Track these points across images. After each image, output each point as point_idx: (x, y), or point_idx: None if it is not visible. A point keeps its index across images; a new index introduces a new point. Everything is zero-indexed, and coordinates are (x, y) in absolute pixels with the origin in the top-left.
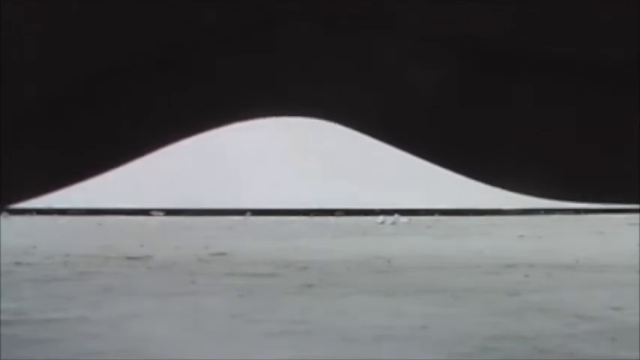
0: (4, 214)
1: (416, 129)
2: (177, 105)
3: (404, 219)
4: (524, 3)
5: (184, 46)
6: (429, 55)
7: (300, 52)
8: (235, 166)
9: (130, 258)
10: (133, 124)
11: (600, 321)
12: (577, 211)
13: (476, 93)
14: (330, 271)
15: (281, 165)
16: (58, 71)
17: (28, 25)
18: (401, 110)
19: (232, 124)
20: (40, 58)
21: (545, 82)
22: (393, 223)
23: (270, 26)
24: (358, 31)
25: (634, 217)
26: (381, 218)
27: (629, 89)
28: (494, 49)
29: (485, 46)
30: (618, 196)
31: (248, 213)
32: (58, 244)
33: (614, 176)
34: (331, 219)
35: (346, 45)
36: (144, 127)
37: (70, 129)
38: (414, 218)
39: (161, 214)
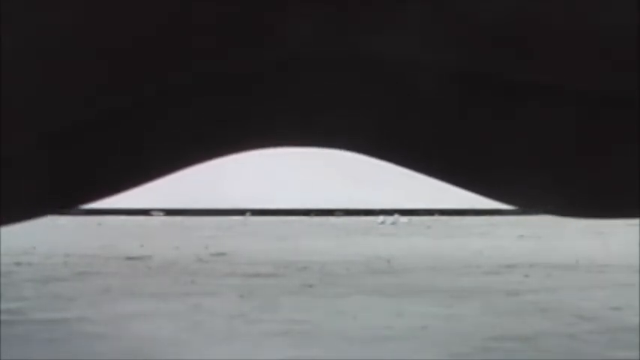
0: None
1: (422, 149)
2: (183, 137)
3: (404, 219)
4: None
5: (185, 89)
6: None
7: (297, 87)
8: (235, 166)
9: (130, 258)
10: (132, 155)
11: (600, 321)
12: None
13: (482, 114)
14: (330, 271)
15: (281, 165)
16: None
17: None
18: (407, 132)
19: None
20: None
21: (547, 104)
22: (393, 223)
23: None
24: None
25: None
26: (381, 218)
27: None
28: (489, 76)
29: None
30: (620, 210)
31: (248, 213)
32: (58, 244)
33: (616, 191)
34: (331, 219)
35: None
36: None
37: (75, 158)
38: (414, 218)
39: (161, 214)
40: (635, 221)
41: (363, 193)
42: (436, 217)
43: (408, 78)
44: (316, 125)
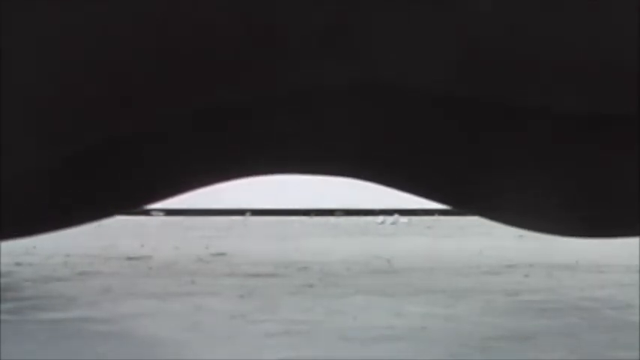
0: None
1: (423, 176)
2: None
3: (404, 219)
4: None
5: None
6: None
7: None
8: None
9: (130, 258)
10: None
11: (600, 321)
12: None
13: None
14: (330, 271)
15: None
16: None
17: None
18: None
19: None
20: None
21: (543, 126)
22: (393, 223)
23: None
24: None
25: None
26: (381, 218)
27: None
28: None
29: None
30: (620, 230)
31: (248, 213)
32: (58, 244)
33: (616, 212)
34: (331, 219)
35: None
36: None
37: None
38: (414, 218)
39: (161, 214)
40: None
41: (363, 193)
42: (436, 217)
43: (396, 102)
44: (304, 153)
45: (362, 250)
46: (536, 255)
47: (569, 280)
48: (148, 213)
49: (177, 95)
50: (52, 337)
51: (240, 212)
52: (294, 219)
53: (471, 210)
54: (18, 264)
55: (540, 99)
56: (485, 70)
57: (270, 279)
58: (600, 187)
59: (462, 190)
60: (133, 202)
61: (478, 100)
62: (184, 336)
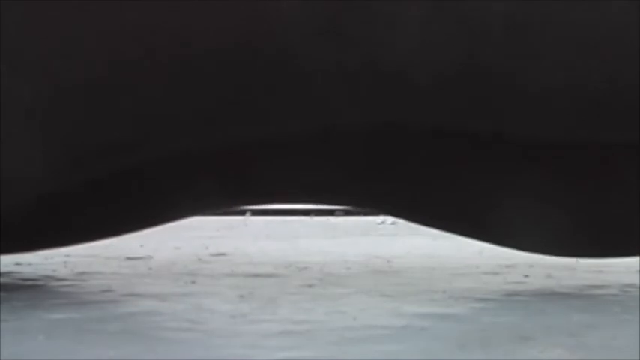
0: None
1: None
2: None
3: None
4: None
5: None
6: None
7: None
8: None
9: (129, 258)
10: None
11: (600, 321)
12: None
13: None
14: (330, 271)
15: None
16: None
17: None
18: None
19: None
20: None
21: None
22: (393, 223)
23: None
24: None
25: None
26: (381, 218)
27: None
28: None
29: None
30: (620, 250)
31: (248, 213)
32: None
33: (615, 232)
34: (331, 219)
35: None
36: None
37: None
38: None
39: None
40: None
41: None
42: None
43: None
44: (302, 184)
45: (362, 250)
46: (535, 255)
47: (569, 280)
48: None
49: (198, 130)
50: (52, 337)
51: (241, 212)
52: (294, 219)
53: (479, 239)
54: (18, 263)
55: (528, 127)
56: (478, 99)
57: (270, 279)
58: (600, 212)
59: (466, 220)
60: (141, 226)
61: (471, 130)
62: (184, 336)
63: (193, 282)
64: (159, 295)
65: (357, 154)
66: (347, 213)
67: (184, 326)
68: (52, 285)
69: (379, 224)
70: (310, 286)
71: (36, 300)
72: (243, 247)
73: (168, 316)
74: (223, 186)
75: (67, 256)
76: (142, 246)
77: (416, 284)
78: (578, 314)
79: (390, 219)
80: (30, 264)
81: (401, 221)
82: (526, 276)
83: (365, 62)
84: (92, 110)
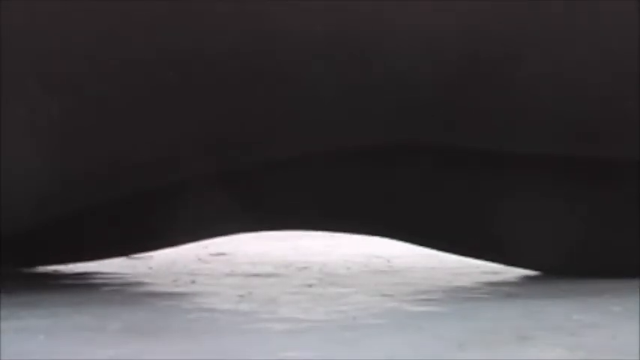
0: None
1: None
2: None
3: None
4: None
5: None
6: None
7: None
8: None
9: (129, 258)
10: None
11: (600, 321)
12: None
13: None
14: (330, 271)
15: None
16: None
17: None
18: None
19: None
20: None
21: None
22: None
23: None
24: None
25: None
26: None
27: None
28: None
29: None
30: (619, 271)
31: None
32: None
33: (615, 254)
34: None
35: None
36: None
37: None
38: None
39: None
40: None
41: None
42: None
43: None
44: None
45: (362, 250)
46: None
47: (569, 280)
48: None
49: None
50: (52, 336)
51: None
52: None
53: (485, 259)
54: None
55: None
56: (475, 118)
57: (270, 279)
58: (602, 227)
59: (477, 241)
60: (146, 249)
61: (473, 147)
62: (184, 336)
63: (193, 282)
64: (159, 294)
65: (365, 176)
66: None
67: (184, 326)
68: (52, 284)
69: None
70: (310, 286)
71: (35, 300)
72: (243, 247)
73: (167, 315)
74: (232, 209)
75: None
76: None
77: (416, 284)
78: (578, 314)
79: None
80: None
81: None
82: (526, 276)
83: (365, 79)
84: (107, 133)
